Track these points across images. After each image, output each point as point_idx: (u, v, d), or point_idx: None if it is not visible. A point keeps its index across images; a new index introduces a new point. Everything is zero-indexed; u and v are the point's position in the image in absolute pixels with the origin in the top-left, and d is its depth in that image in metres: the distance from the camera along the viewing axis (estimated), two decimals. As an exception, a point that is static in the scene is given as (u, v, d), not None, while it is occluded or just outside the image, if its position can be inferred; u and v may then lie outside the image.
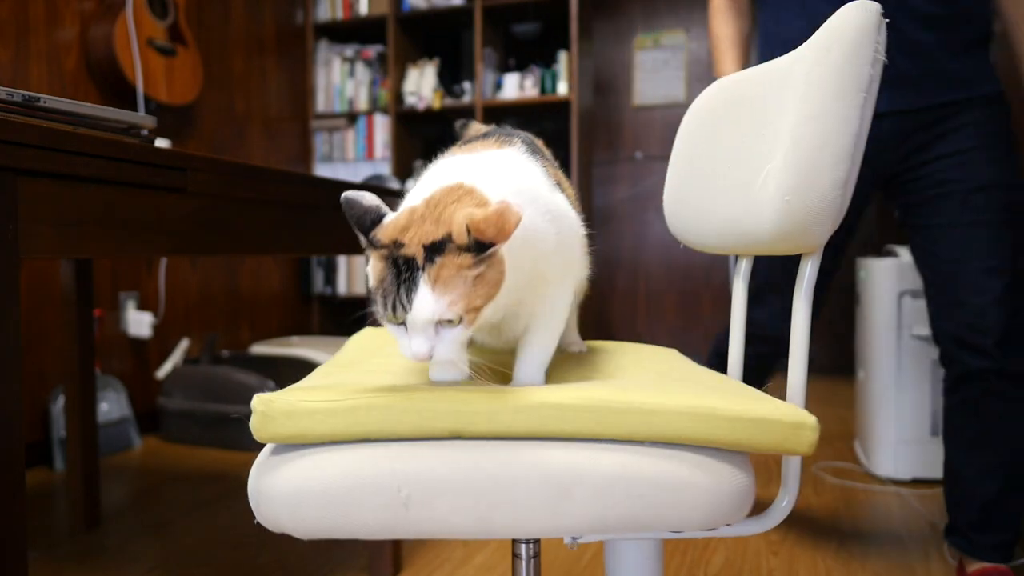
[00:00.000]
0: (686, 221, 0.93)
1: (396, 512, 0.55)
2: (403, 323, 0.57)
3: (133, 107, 2.52)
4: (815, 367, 3.78)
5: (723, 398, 0.60)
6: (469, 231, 0.55)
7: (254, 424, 0.58)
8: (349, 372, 0.74)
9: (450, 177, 0.62)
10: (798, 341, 0.71)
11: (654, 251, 4.01)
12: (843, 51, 0.66)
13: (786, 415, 0.59)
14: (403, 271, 0.56)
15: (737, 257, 0.91)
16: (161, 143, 1.32)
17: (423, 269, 0.55)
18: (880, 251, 2.50)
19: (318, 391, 0.60)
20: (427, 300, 0.55)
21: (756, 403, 0.60)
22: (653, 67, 3.95)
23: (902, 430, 2.03)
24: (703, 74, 3.86)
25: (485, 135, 0.76)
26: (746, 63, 1.52)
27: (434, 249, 0.56)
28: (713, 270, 3.92)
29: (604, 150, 4.06)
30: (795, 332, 0.72)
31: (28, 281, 2.23)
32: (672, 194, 0.96)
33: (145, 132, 1.08)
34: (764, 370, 1.61)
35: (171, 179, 1.04)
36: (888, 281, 2.04)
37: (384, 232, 0.58)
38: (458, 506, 0.55)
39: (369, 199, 0.60)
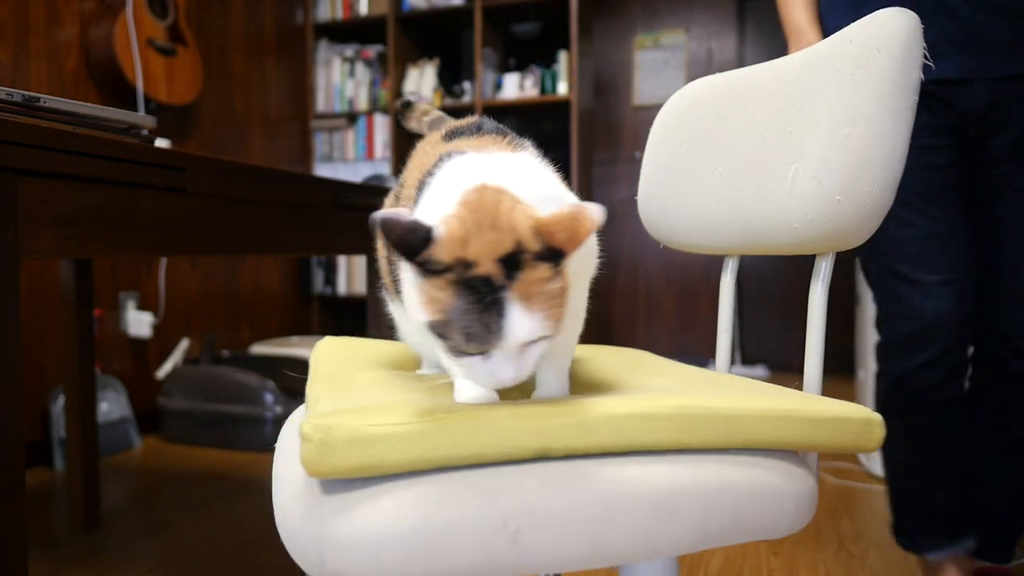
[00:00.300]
0: (669, 221, 0.91)
1: (502, 549, 0.48)
2: (482, 351, 0.51)
3: (133, 107, 2.51)
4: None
5: (788, 399, 0.59)
6: (540, 235, 0.49)
7: (309, 456, 0.48)
8: (363, 391, 0.64)
9: (471, 178, 0.55)
10: (814, 334, 0.71)
11: (653, 251, 4.01)
12: (894, 53, 0.66)
13: (855, 413, 0.58)
14: (484, 294, 0.49)
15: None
16: (161, 143, 1.32)
17: (507, 288, 0.49)
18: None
19: (373, 413, 0.51)
20: (523, 322, 0.49)
21: (821, 403, 0.60)
22: (653, 67, 3.95)
23: (902, 430, 2.03)
24: (703, 74, 3.84)
25: (479, 130, 0.69)
26: (818, 22, 1.35)
27: (511, 264, 0.49)
28: (712, 270, 3.92)
29: (604, 150, 4.06)
30: (811, 325, 0.72)
31: (28, 281, 2.23)
32: (651, 192, 0.93)
33: (145, 132, 1.08)
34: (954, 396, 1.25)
35: (171, 179, 1.04)
36: (888, 281, 2.04)
37: (444, 250, 0.49)
38: (567, 536, 0.50)
39: (406, 215, 0.50)
